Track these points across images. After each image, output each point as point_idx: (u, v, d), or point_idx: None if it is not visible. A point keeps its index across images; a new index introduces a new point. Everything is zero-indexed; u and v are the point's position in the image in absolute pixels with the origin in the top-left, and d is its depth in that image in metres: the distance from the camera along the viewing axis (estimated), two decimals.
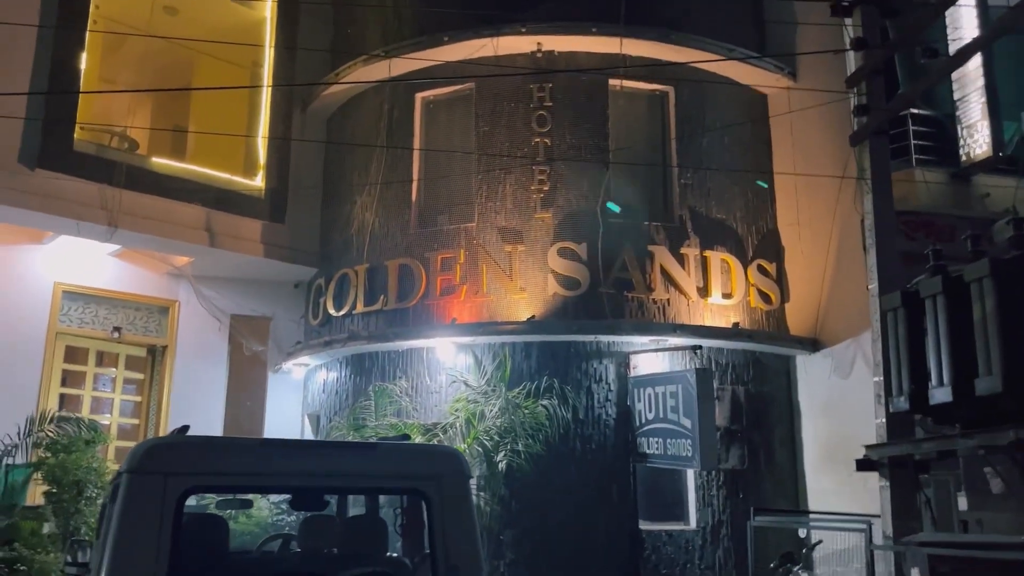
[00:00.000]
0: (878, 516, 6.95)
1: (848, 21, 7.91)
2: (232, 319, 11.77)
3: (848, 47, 7.35)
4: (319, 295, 11.38)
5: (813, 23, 9.68)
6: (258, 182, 11.51)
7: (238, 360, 11.76)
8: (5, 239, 10.10)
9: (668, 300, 10.06)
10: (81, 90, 10.16)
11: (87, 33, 10.23)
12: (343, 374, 10.83)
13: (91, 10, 10.41)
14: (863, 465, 6.83)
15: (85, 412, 10.73)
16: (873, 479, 6.99)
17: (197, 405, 11.16)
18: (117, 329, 11.03)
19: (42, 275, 10.42)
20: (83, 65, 10.13)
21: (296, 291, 12.08)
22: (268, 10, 12.03)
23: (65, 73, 9.91)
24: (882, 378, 6.85)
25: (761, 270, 10.67)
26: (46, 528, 8.48)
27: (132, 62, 12.35)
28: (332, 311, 11.01)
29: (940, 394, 5.67)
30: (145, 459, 3.47)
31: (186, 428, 3.75)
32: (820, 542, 8.29)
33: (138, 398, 11.44)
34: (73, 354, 10.85)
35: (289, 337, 11.80)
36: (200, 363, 11.46)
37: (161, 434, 10.68)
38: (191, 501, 3.99)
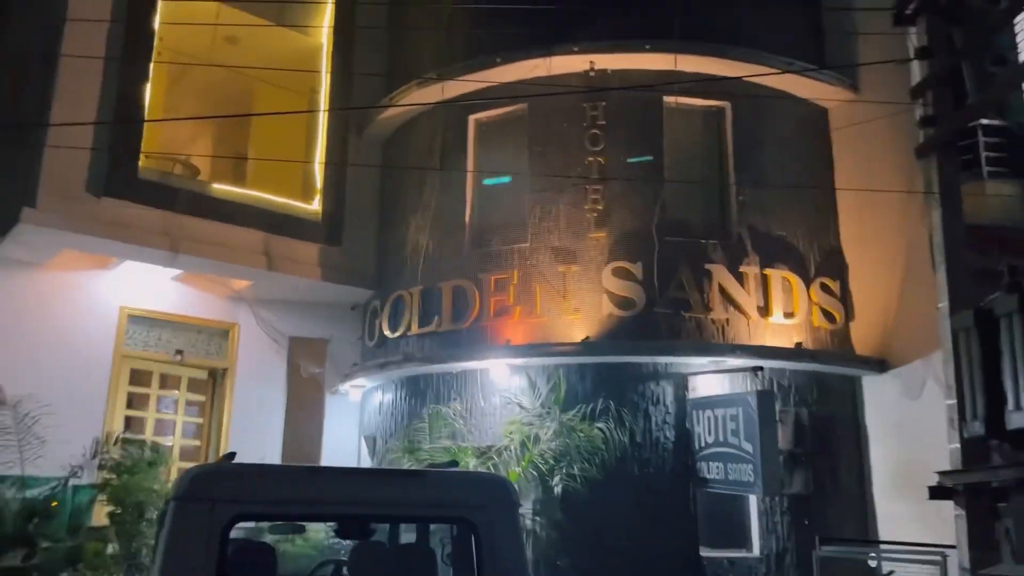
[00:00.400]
0: (953, 547, 6.59)
1: (912, 31, 7.66)
2: (290, 341, 11.91)
3: (912, 56, 7.09)
4: (375, 317, 11.44)
5: (874, 33, 9.38)
6: (315, 206, 11.66)
7: (296, 382, 11.88)
8: (73, 265, 10.40)
9: (727, 320, 9.82)
10: (145, 119, 10.45)
11: (151, 65, 10.51)
12: (398, 396, 10.84)
13: (155, 42, 10.70)
14: (936, 492, 6.50)
15: (148, 434, 10.96)
16: (948, 507, 6.64)
17: (256, 427, 11.30)
18: (179, 352, 11.25)
19: (108, 300, 10.70)
20: (147, 95, 10.41)
21: (353, 313, 12.17)
22: (325, 37, 12.23)
23: (130, 103, 10.18)
24: (955, 401, 6.52)
25: (824, 288, 10.35)
26: (109, 549, 8.63)
27: (194, 91, 12.66)
28: (387, 333, 11.05)
29: (1018, 418, 5.39)
30: (191, 487, 3.46)
31: (232, 455, 3.73)
32: (892, 574, 7.92)
33: (200, 420, 11.63)
34: (137, 377, 11.09)
35: (346, 359, 11.87)
36: (259, 385, 11.60)
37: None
38: (240, 527, 3.98)
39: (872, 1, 9.80)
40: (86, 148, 9.45)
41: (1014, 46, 9.33)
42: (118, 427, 10.50)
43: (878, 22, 9.21)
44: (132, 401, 11.06)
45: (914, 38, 7.25)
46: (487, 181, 10.89)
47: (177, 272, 10.91)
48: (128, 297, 10.86)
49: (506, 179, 10.82)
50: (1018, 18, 9.00)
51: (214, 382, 11.68)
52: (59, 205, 9.34)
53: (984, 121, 9.53)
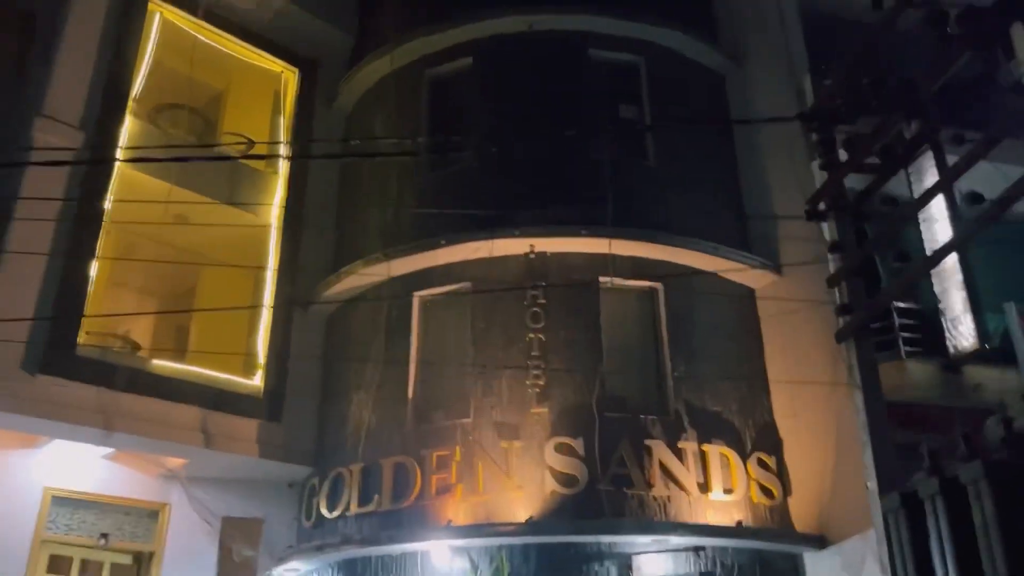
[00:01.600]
0: None
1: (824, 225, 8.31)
2: (224, 521, 11.47)
3: (826, 250, 7.68)
4: (313, 495, 11.16)
5: (793, 219, 10.10)
6: (256, 382, 11.61)
7: (227, 566, 11.33)
8: None
9: (668, 497, 9.86)
10: (89, 293, 10.48)
11: (98, 241, 10.69)
12: None
13: (104, 220, 10.91)
14: None
15: None
16: None
17: None
18: (104, 536, 10.73)
19: (32, 481, 10.28)
20: (93, 272, 10.53)
21: (290, 492, 11.84)
22: (274, 216, 12.62)
23: (75, 280, 10.26)
24: None
25: (761, 463, 10.52)
26: None
27: (141, 265, 12.79)
28: (325, 512, 10.75)
29: None
30: None
31: None
32: None
33: None
34: (56, 563, 10.47)
35: (281, 540, 11.43)
36: (187, 570, 11.04)
37: None
38: None
39: (788, 195, 10.68)
40: (25, 324, 9.40)
41: (921, 236, 10.13)
42: None
43: (796, 211, 10.01)
44: None
45: (827, 232, 7.86)
46: None
47: (109, 450, 10.60)
48: (54, 477, 10.45)
49: None
50: (923, 214, 9.82)
51: (139, 567, 11.07)
52: None
53: (899, 304, 10.20)
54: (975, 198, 7.00)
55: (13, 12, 12.85)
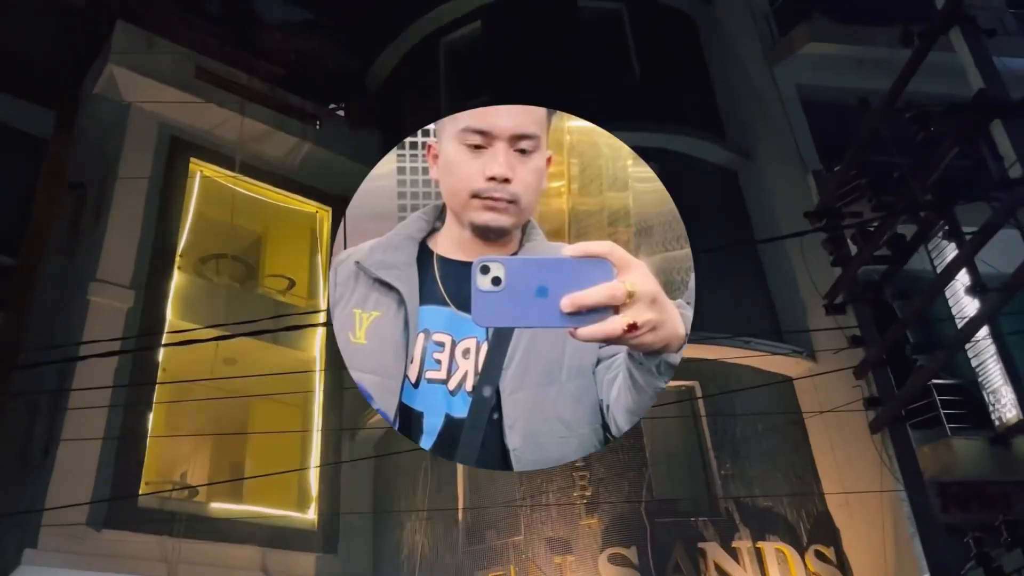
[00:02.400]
0: None
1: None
2: None
3: (847, 345, 7.81)
4: None
5: (819, 330, 10.19)
6: (311, 515, 11.84)
7: None
8: None
9: None
10: (148, 448, 10.94)
11: (154, 395, 11.23)
12: None
13: (158, 373, 11.49)
14: None
15: None
16: None
17: None
18: None
19: None
20: (150, 424, 11.02)
21: None
22: (317, 350, 13.10)
23: (134, 432, 10.74)
24: None
25: (819, 555, 10.34)
26: None
27: (194, 410, 13.27)
28: None
29: None
30: None
31: None
32: None
33: None
34: None
35: None
36: None
37: None
38: None
39: (812, 284, 10.84)
40: (89, 481, 9.83)
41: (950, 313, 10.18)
42: None
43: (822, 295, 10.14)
44: None
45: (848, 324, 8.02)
46: None
47: None
48: None
49: None
50: (950, 289, 9.88)
51: None
52: (60, 543, 9.51)
53: (937, 381, 10.14)
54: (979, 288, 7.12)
55: (65, 182, 13.89)
